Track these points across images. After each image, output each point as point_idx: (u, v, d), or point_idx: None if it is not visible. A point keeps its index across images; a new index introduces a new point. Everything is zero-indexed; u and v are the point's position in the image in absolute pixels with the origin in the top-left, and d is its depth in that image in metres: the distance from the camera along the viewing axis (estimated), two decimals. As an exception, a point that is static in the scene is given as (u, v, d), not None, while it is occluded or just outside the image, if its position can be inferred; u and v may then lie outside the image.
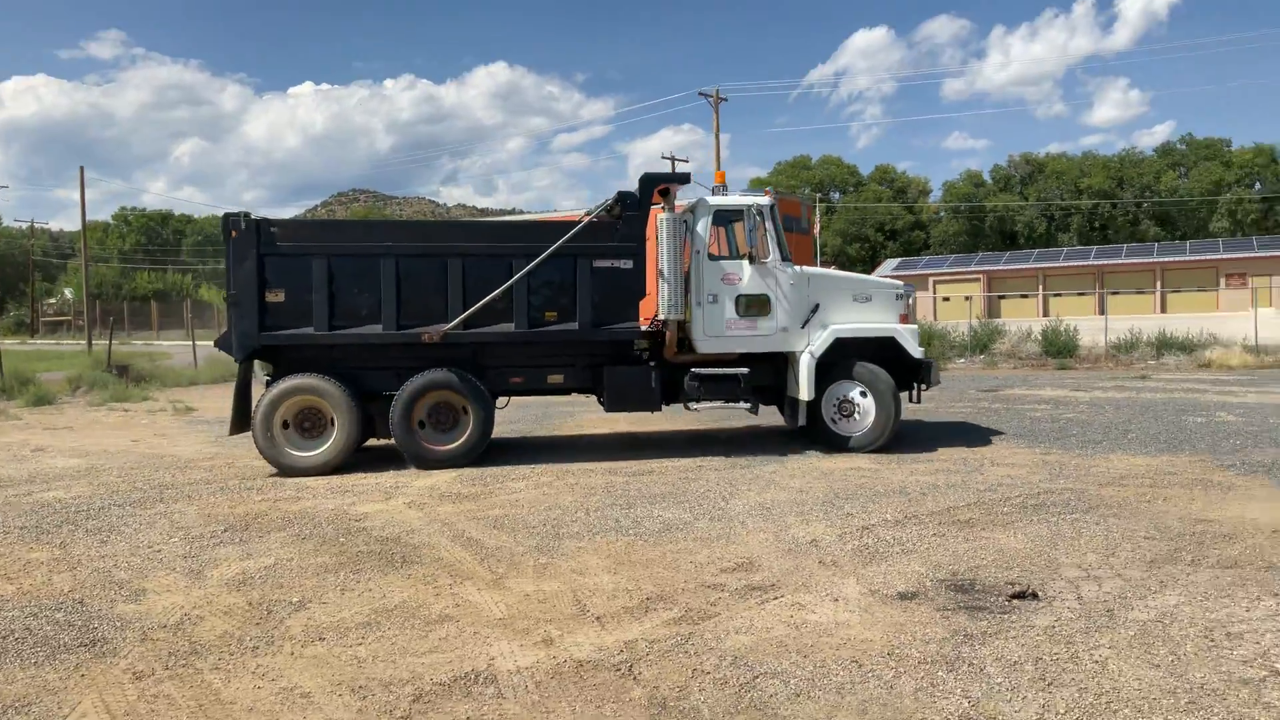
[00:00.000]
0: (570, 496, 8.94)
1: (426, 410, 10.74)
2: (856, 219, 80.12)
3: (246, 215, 10.50)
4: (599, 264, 10.66)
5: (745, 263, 10.91)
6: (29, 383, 20.79)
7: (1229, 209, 73.54)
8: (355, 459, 10.95)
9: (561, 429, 14.15)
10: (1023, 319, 40.47)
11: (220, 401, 20.48)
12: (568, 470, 10.29)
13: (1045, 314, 50.43)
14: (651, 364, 11.08)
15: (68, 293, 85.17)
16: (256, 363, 11.39)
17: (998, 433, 12.48)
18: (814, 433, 11.31)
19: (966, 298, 40.87)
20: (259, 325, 10.38)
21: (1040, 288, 58.41)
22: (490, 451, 11.07)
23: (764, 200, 11.04)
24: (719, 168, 43.11)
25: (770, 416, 13.80)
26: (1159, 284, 56.68)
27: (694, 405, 11.19)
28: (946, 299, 53.69)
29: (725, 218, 11.19)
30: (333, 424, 10.55)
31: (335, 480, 10.14)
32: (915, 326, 11.55)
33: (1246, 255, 55.90)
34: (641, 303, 10.84)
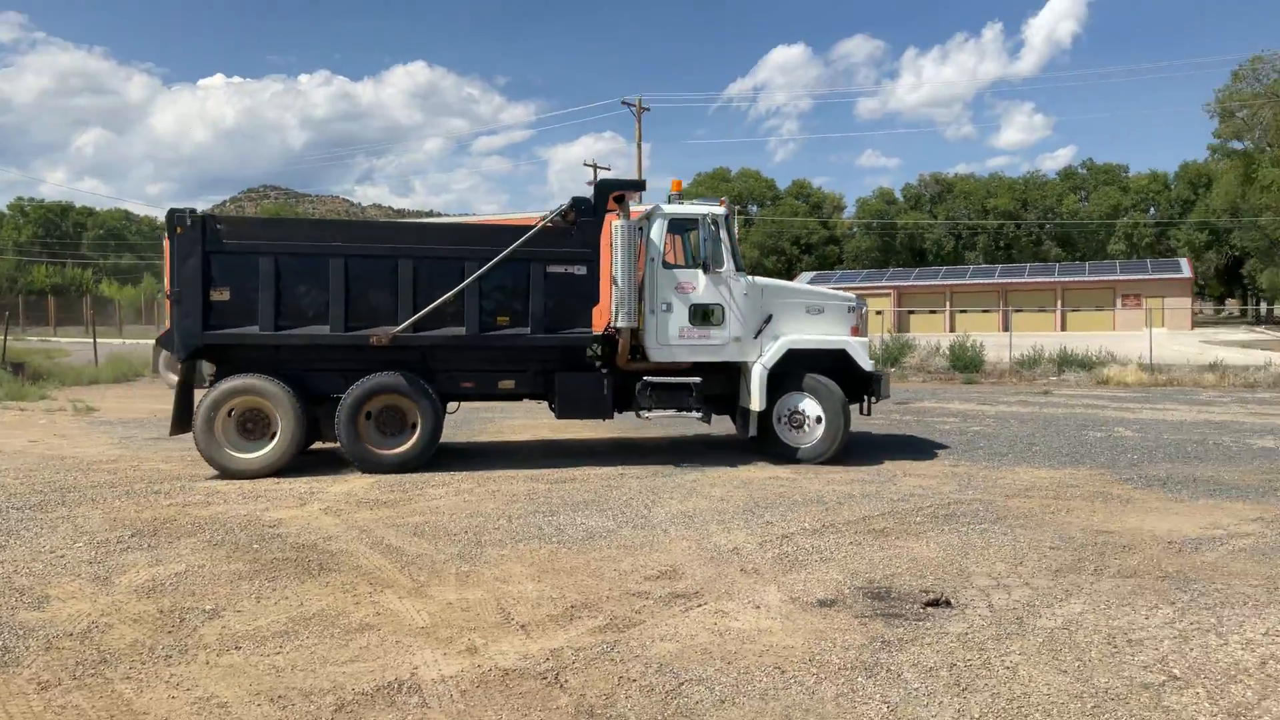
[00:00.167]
0: (492, 504, 8.88)
1: (374, 414, 10.57)
2: (773, 232, 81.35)
3: (192, 211, 10.22)
4: (553, 269, 10.58)
5: (699, 272, 10.92)
6: (-86, 379, 19.76)
7: (1125, 232, 76.84)
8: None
9: (482, 435, 14.04)
10: (931, 334, 41.60)
11: (122, 401, 19.80)
12: (489, 477, 10.22)
13: (952, 329, 51.92)
14: (604, 371, 11.05)
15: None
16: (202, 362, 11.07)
17: (909, 444, 12.81)
18: (765, 443, 11.35)
19: (878, 312, 41.83)
20: (203, 324, 10.13)
21: (948, 304, 60.17)
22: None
23: (719, 209, 11.08)
24: (640, 176, 43.37)
25: (693, 426, 13.93)
26: (1060, 303, 58.91)
27: (646, 414, 11.12)
28: (859, 312, 54.47)
29: (680, 226, 11.18)
30: (276, 426, 10.32)
31: (247, 485, 9.89)
32: (866, 339, 11.68)
33: (1141, 277, 58.52)
34: (595, 309, 10.80)
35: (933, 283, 63.31)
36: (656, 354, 10.96)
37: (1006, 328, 44.25)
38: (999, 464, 11.13)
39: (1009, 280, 61.21)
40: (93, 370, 25.26)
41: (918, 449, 12.37)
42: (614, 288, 10.78)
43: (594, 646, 5.12)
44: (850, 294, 11.84)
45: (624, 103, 43.80)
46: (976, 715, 4.23)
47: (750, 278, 11.18)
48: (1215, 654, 4.94)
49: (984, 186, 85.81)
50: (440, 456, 11.13)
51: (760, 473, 10.54)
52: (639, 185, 11.33)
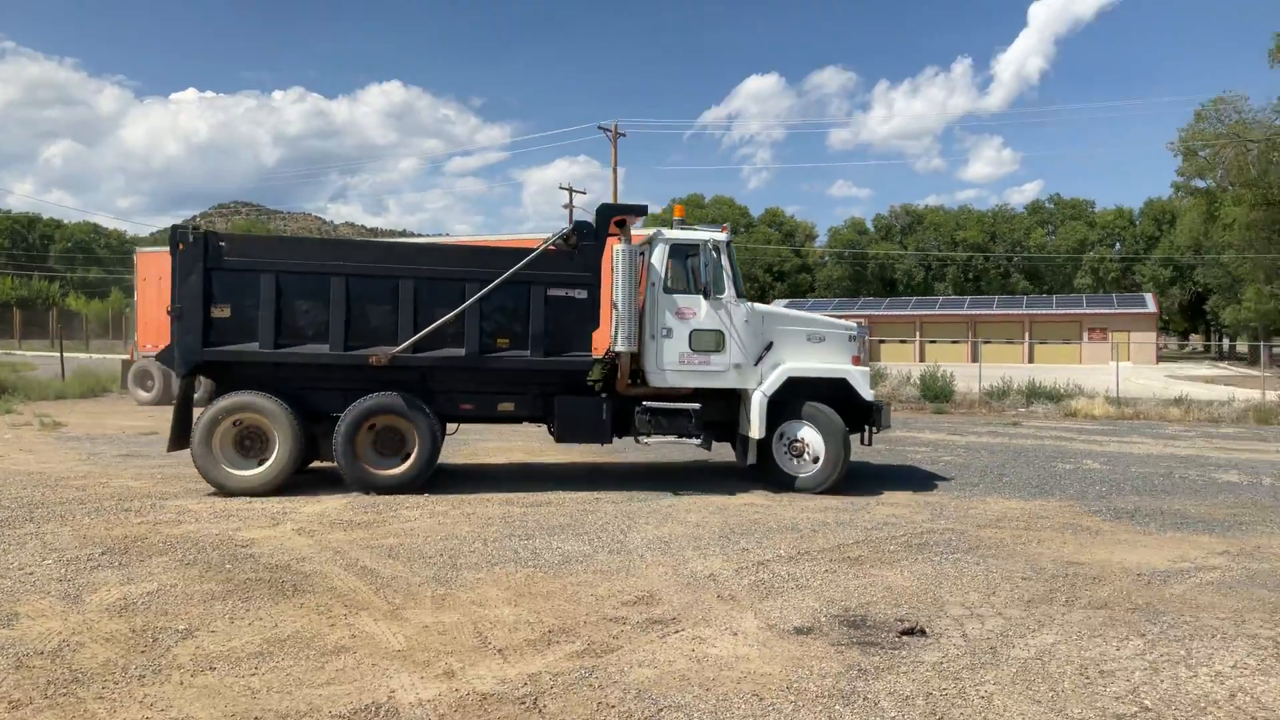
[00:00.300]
0: (467, 526, 8.85)
1: (371, 434, 10.52)
2: (746, 259, 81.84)
3: (195, 228, 10.27)
4: (553, 293, 10.56)
5: (700, 297, 10.88)
6: (-125, 390, 19.40)
7: (1092, 266, 78.01)
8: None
9: (456, 457, 13.97)
10: (901, 363, 41.92)
11: (90, 417, 19.55)
12: (463, 500, 10.18)
13: (922, 359, 52.38)
14: (603, 395, 11.04)
15: (-82, 295, 79.89)
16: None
17: (882, 473, 12.90)
18: (764, 471, 11.26)
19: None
20: (203, 340, 10.12)
21: (918, 334, 60.71)
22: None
23: (721, 236, 11.08)
24: (616, 201, 43.55)
25: (671, 452, 13.96)
26: (1027, 335, 59.66)
27: (645, 439, 11.04)
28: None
29: (682, 252, 11.07)
30: (275, 444, 10.26)
31: (219, 504, 9.79)
32: (867, 369, 11.55)
33: (1107, 311, 59.44)
34: (595, 333, 10.76)
35: (903, 313, 63.95)
36: (656, 379, 10.91)
37: (975, 358, 44.71)
38: (970, 494, 11.24)
39: (978, 312, 61.95)
40: (59, 385, 24.92)
41: (890, 478, 12.46)
42: (614, 312, 10.76)
43: (572, 671, 5.11)
44: (852, 323, 11.74)
45: (600, 128, 44.03)
46: (953, 744, 4.27)
47: (751, 304, 11.16)
48: (1185, 685, 5.03)
49: (953, 219, 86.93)
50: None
51: (735, 499, 10.57)
52: (641, 210, 11.29)
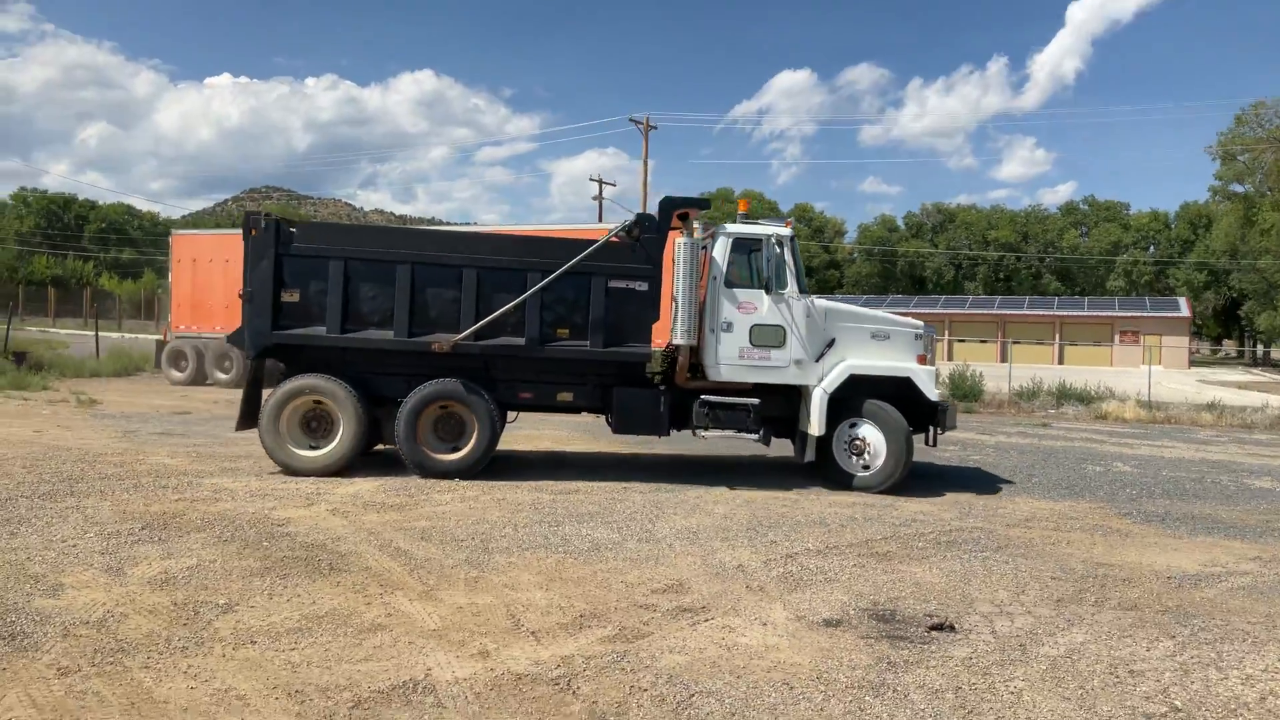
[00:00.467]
0: (497, 512, 8.95)
1: (432, 420, 10.67)
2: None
3: (267, 215, 10.50)
4: (614, 284, 10.60)
5: (762, 292, 10.80)
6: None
7: (1125, 269, 77.18)
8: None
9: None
10: (930, 362, 41.64)
11: (124, 395, 19.87)
12: (493, 486, 10.28)
13: (950, 358, 52.11)
14: (662, 388, 11.04)
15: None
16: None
17: (910, 471, 12.85)
18: (823, 469, 11.14)
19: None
20: (272, 324, 10.37)
21: (947, 333, 60.32)
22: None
23: (784, 231, 10.99)
24: (646, 194, 43.52)
25: (694, 444, 14.00)
26: (1058, 336, 59.12)
27: (703, 433, 10.98)
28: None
29: (744, 246, 11.00)
30: (339, 426, 10.48)
31: (254, 483, 9.95)
32: (933, 368, 11.27)
33: (1140, 314, 58.78)
34: (655, 326, 10.80)
35: (932, 311, 63.51)
36: (715, 373, 10.86)
37: (1004, 358, 44.45)
38: (999, 494, 11.21)
39: (1008, 311, 61.47)
40: (94, 363, 25.33)
41: (918, 476, 12.42)
42: (674, 305, 10.73)
43: (604, 655, 5.19)
44: (919, 321, 11.54)
45: (632, 120, 44.08)
46: (983, 737, 4.30)
47: (814, 300, 11.05)
48: (1216, 688, 5.03)
49: (985, 218, 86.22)
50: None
51: (762, 492, 10.61)
52: (704, 204, 11.24)
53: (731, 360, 10.81)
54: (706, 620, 5.90)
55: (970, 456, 14.62)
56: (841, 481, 10.94)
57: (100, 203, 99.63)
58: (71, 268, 79.46)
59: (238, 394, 21.17)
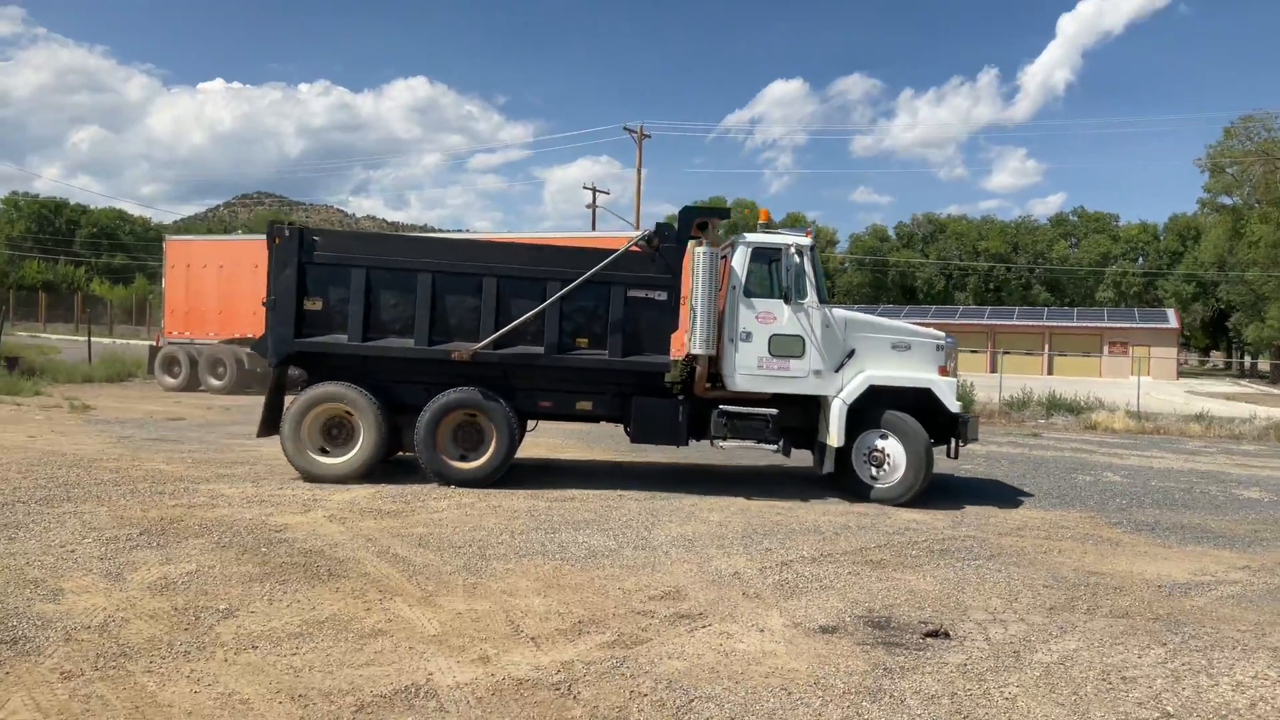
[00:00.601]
0: (494, 519, 8.99)
1: (452, 428, 10.72)
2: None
3: (291, 224, 10.64)
4: (633, 294, 10.63)
5: (781, 302, 10.78)
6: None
7: (1114, 280, 77.61)
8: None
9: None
10: (921, 371, 41.78)
11: (118, 401, 19.84)
12: (489, 493, 10.32)
13: (941, 368, 52.23)
14: (680, 398, 11.05)
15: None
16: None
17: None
18: (841, 480, 11.08)
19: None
20: (295, 331, 10.47)
21: (937, 342, 60.45)
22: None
23: (804, 240, 10.93)
24: (639, 203, 43.63)
25: (686, 453, 14.06)
26: (1047, 346, 59.39)
27: (721, 443, 10.92)
28: (849, 347, 54.87)
29: (763, 255, 10.97)
30: (360, 434, 10.57)
31: (250, 489, 9.98)
32: (955, 380, 11.17)
33: (1129, 325, 59.12)
34: (673, 335, 10.81)
35: (923, 321, 63.76)
36: (734, 383, 10.83)
37: (994, 368, 44.60)
38: (990, 503, 11.29)
39: (998, 322, 61.74)
40: (86, 368, 25.27)
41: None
42: (693, 315, 10.71)
43: (604, 661, 5.24)
44: (940, 332, 11.45)
45: (626, 129, 44.18)
46: (978, 742, 4.37)
47: (834, 310, 11.01)
48: (1207, 694, 5.11)
49: (976, 228, 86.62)
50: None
51: (756, 501, 10.67)
52: (724, 213, 11.27)
53: (750, 370, 10.78)
54: (704, 627, 5.95)
55: (961, 466, 14.69)
56: (860, 493, 10.87)
57: (92, 207, 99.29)
58: (63, 272, 79.23)
59: (231, 400, 21.33)
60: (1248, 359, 74.78)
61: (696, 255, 10.70)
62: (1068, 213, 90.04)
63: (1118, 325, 59.59)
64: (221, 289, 24.01)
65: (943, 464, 14.65)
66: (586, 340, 10.67)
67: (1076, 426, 22.95)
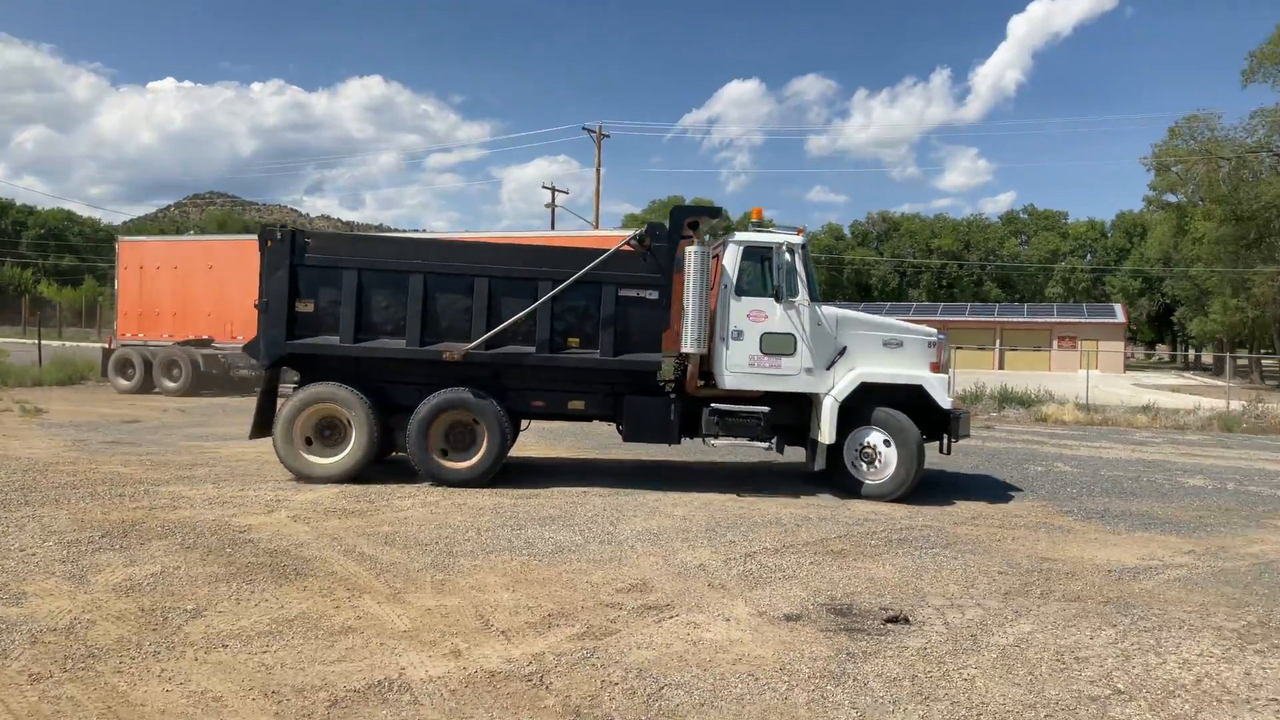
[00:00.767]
0: (459, 516, 9.04)
1: (443, 428, 10.71)
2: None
3: (282, 226, 10.63)
4: (624, 293, 10.65)
5: (772, 300, 10.78)
6: None
7: (1063, 276, 79.05)
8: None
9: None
10: (877, 367, 42.27)
11: (70, 404, 19.52)
12: (454, 491, 10.35)
13: (896, 364, 52.86)
14: (672, 396, 11.06)
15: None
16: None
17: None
18: (833, 477, 11.11)
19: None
20: (287, 333, 10.46)
21: (893, 339, 61.19)
22: (375, 469, 11.03)
23: (795, 238, 10.97)
24: (598, 202, 43.65)
25: (653, 450, 14.17)
26: (998, 342, 60.37)
27: (713, 441, 10.95)
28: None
29: (755, 254, 10.95)
30: (352, 434, 10.57)
31: (212, 490, 9.92)
32: (946, 376, 11.23)
33: (1077, 320, 60.34)
34: (665, 334, 10.81)
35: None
36: (726, 381, 10.84)
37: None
38: (946, 494, 11.52)
39: (951, 318, 62.58)
40: (36, 371, 24.80)
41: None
42: (684, 313, 10.71)
43: (574, 652, 5.33)
44: (932, 329, 11.46)
45: (585, 129, 44.23)
46: (939, 721, 4.52)
47: (825, 308, 11.03)
48: (1155, 671, 5.31)
49: (929, 226, 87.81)
50: (404, 469, 11.23)
51: (719, 495, 10.81)
52: (715, 212, 11.27)
53: (741, 368, 10.81)
54: (671, 617, 6.06)
55: (918, 459, 14.95)
56: (852, 489, 10.92)
57: (39, 208, 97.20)
58: (9, 275, 77.48)
59: (187, 402, 21.09)
60: (1192, 352, 76.61)
61: (688, 254, 10.67)
62: (1018, 211, 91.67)
63: (1067, 320, 60.79)
64: (176, 290, 23.72)
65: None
66: (578, 340, 10.69)
67: (1028, 419, 23.41)
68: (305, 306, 10.51)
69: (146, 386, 23.16)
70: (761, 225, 11.39)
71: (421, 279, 10.52)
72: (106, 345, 24.76)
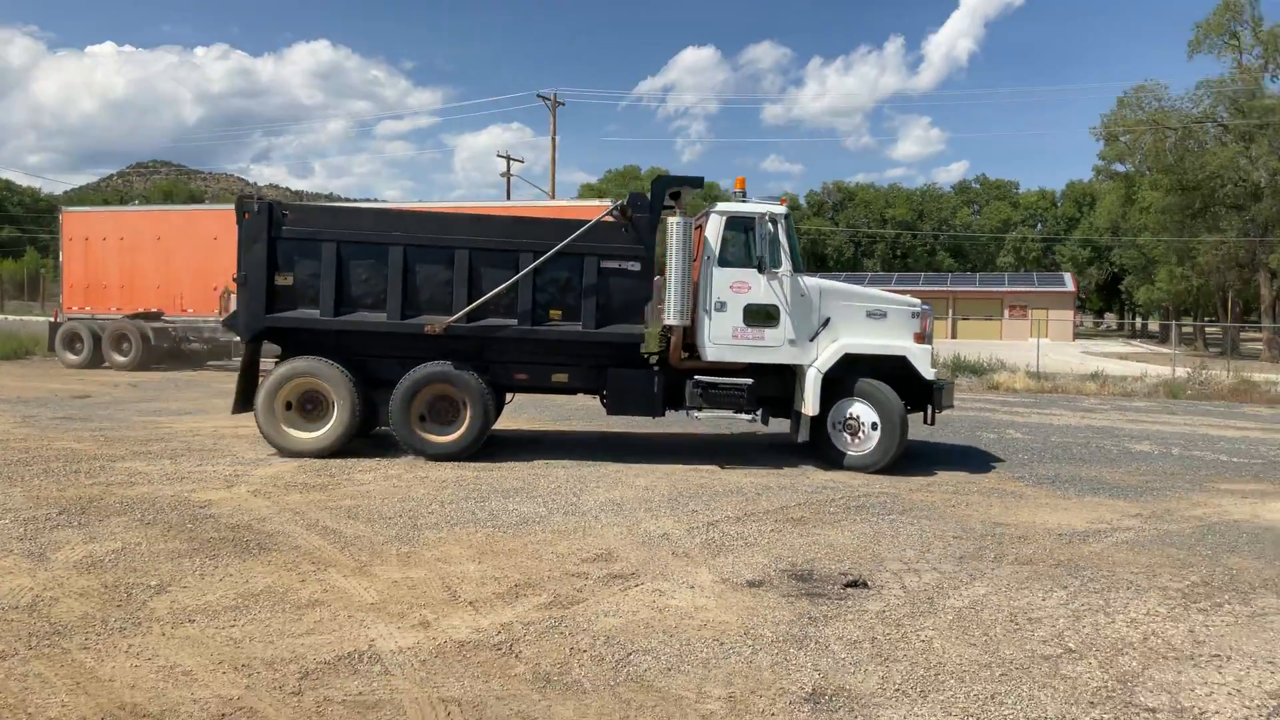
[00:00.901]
0: (422, 489, 9.05)
1: (427, 402, 10.63)
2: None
3: (260, 198, 10.50)
4: (606, 265, 10.59)
5: (755, 271, 10.69)
6: None
7: (1014, 246, 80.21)
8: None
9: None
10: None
11: (17, 380, 19.14)
12: (416, 463, 10.36)
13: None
14: (656, 369, 11.01)
15: None
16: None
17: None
18: (818, 448, 11.09)
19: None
20: (266, 307, 10.35)
21: (848, 308, 61.77)
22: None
23: (778, 209, 10.89)
24: (554, 171, 43.39)
25: (612, 421, 14.23)
26: (951, 311, 61.21)
27: (697, 413, 10.88)
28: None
29: (738, 224, 10.85)
30: (334, 408, 10.49)
31: (169, 466, 9.82)
32: (930, 347, 11.12)
33: (1028, 289, 61.36)
34: (647, 306, 10.78)
35: (833, 287, 64.95)
36: (709, 353, 10.79)
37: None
38: (901, 461, 11.71)
39: (904, 288, 63.34)
40: (-21, 347, 24.22)
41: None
42: (667, 285, 10.64)
43: (542, 621, 5.40)
44: (915, 299, 11.44)
45: (540, 96, 43.86)
46: (899, 681, 4.67)
47: (808, 279, 10.96)
48: (1104, 630, 5.51)
49: (883, 196, 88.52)
50: (365, 443, 11.21)
51: (681, 465, 10.92)
52: (697, 183, 11.05)
53: (725, 340, 10.76)
54: (637, 585, 6.15)
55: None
56: (835, 461, 10.91)
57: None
58: (-57, 248, 75.18)
59: (137, 376, 20.78)
60: (1139, 320, 78.28)
61: (670, 225, 10.60)
62: (970, 180, 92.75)
63: (1018, 289, 61.85)
64: (123, 262, 23.28)
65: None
66: (560, 312, 10.62)
67: (980, 387, 23.85)
68: (284, 280, 10.42)
69: (95, 361, 22.76)
70: (743, 196, 11.29)
71: (401, 251, 10.43)
72: (53, 319, 24.26)
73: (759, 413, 11.05)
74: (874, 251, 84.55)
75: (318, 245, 10.39)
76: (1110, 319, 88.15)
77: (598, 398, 11.44)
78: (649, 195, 10.78)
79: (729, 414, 10.90)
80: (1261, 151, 40.81)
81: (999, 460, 12.07)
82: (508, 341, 10.75)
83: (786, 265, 10.77)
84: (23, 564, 6.23)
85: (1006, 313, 60.78)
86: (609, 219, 10.76)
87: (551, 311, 10.63)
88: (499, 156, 44.47)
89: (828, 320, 10.85)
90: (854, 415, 10.86)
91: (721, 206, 11.01)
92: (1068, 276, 64.55)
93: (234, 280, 10.56)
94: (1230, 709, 4.47)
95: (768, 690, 4.52)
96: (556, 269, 10.59)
